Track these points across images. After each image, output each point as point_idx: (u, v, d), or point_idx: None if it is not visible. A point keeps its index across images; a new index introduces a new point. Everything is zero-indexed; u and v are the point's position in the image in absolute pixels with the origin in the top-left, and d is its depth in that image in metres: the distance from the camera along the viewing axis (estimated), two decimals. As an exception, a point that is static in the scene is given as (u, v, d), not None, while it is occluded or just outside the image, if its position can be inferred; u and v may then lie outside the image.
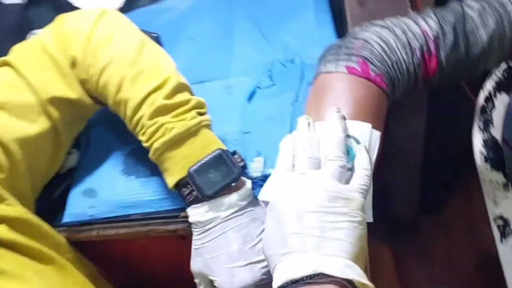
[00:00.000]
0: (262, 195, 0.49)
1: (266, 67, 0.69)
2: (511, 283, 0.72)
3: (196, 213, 0.54)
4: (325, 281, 0.37)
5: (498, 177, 0.83)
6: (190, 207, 0.55)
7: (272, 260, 0.42)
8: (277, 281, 0.39)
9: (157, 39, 0.76)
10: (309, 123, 0.48)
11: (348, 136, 0.47)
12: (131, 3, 0.90)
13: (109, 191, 0.63)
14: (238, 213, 0.54)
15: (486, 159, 0.85)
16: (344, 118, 0.48)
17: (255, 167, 0.60)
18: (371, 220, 0.45)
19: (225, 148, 0.56)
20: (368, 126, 0.49)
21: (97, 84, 0.58)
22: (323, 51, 0.58)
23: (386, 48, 0.54)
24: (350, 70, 0.53)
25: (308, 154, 0.46)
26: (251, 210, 0.55)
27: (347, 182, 0.44)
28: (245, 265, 0.52)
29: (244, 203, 0.54)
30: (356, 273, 0.38)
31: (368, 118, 0.50)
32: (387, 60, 0.53)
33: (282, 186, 0.45)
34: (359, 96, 0.51)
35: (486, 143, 0.86)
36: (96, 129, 0.69)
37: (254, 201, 0.56)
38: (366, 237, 0.42)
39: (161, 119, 0.55)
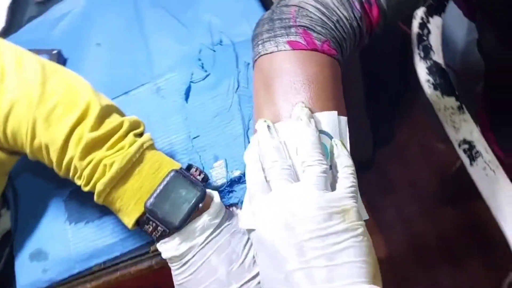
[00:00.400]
0: (244, 222, 0.43)
1: (193, 57, 0.61)
2: (492, 205, 0.71)
3: (168, 248, 0.47)
4: None
5: (451, 101, 0.81)
6: (159, 243, 0.48)
7: None
8: None
9: (59, 56, 0.65)
10: (269, 127, 0.42)
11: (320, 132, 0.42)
12: (16, 20, 0.77)
13: (61, 247, 0.54)
14: (214, 234, 0.47)
15: (435, 86, 0.83)
16: (311, 113, 0.42)
17: (217, 174, 0.54)
18: (366, 217, 0.41)
19: (178, 166, 0.49)
20: (334, 114, 0.44)
21: (5, 136, 0.48)
22: (255, 28, 0.51)
23: (323, 10, 0.48)
24: (294, 46, 0.46)
25: (280, 165, 0.40)
26: (228, 224, 0.49)
27: (332, 186, 0.40)
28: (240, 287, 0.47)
29: (217, 220, 0.48)
30: None
31: (329, 98, 0.45)
32: (329, 23, 0.47)
33: (264, 211, 0.39)
34: (313, 73, 0.45)
35: (431, 70, 0.84)
36: (21, 180, 0.59)
37: (227, 213, 0.49)
38: (372, 247, 0.37)
39: (95, 156, 0.46)
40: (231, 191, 0.53)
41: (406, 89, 1.19)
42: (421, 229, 1.28)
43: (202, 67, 0.60)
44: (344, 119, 0.45)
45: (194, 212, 0.47)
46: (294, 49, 0.46)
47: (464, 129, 0.79)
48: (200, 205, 0.47)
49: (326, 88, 0.45)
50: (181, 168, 0.49)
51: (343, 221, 0.37)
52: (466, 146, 0.78)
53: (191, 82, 0.60)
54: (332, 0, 0.48)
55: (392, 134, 1.38)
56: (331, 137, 0.43)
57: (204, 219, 0.47)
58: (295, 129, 0.42)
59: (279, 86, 0.45)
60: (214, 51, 0.61)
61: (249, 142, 0.54)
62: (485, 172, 0.75)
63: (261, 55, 0.48)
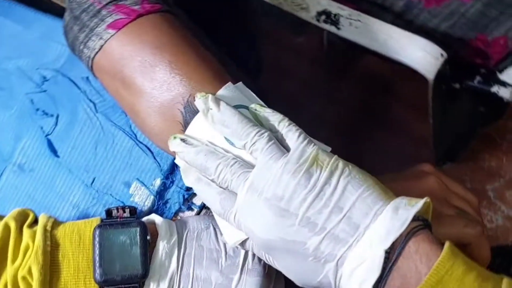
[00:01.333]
0: (232, 240, 0.38)
1: (29, 112, 0.52)
2: (380, 49, 0.72)
3: None
4: (416, 231, 0.31)
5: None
6: None
7: (329, 271, 0.33)
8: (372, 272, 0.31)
9: None
10: (183, 140, 0.38)
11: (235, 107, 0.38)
12: None
13: None
14: (182, 251, 0.42)
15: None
16: (213, 96, 0.38)
17: (140, 197, 0.47)
18: (329, 148, 0.38)
19: (97, 219, 0.42)
20: (229, 85, 0.39)
21: None
22: (66, 37, 0.44)
23: None
24: (117, 26, 0.40)
25: (226, 164, 0.36)
26: (186, 232, 0.43)
27: (285, 147, 0.36)
28: (240, 276, 0.42)
29: (174, 237, 0.42)
30: (408, 206, 0.32)
31: (192, 59, 0.40)
32: None
33: (245, 217, 0.35)
34: (157, 39, 0.40)
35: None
36: None
37: (177, 224, 0.44)
38: (358, 167, 0.35)
39: (5, 276, 0.38)
40: (166, 202, 0.47)
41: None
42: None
43: (46, 114, 0.52)
44: (240, 85, 0.41)
45: (148, 248, 0.40)
46: (120, 29, 0.40)
47: (312, 3, 0.78)
48: (148, 237, 0.41)
49: (182, 47, 0.41)
50: (102, 220, 0.41)
51: (321, 167, 0.34)
52: (324, 17, 0.77)
53: (47, 136, 0.51)
54: None
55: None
56: (246, 107, 0.38)
57: (162, 247, 0.41)
58: (211, 122, 0.37)
59: (135, 74, 0.40)
60: (45, 90, 0.52)
61: (141, 147, 0.48)
62: (352, 26, 0.76)
63: (93, 57, 0.42)
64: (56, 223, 0.41)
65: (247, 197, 0.34)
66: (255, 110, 0.38)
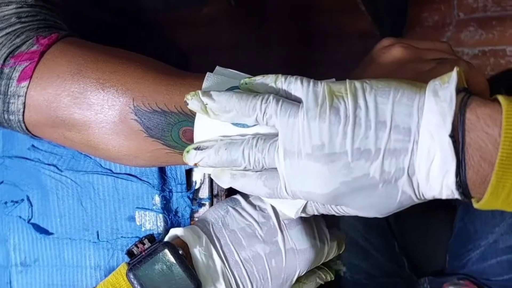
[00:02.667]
0: (292, 211, 0.37)
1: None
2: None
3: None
4: (466, 102, 0.30)
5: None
6: None
7: (404, 186, 0.32)
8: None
9: None
10: (198, 148, 0.35)
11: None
12: None
13: None
14: (218, 247, 0.41)
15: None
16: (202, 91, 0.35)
17: (150, 222, 0.45)
18: (333, 79, 0.36)
19: (124, 267, 0.40)
20: (208, 75, 0.38)
21: None
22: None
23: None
24: (27, 74, 0.38)
25: (250, 146, 0.34)
26: (211, 226, 0.42)
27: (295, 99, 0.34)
28: (283, 234, 0.41)
29: (203, 238, 0.41)
30: (445, 85, 0.31)
31: (128, 68, 0.39)
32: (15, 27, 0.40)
33: (298, 183, 0.33)
34: (79, 68, 0.39)
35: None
36: None
37: (197, 226, 0.42)
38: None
39: None
40: (176, 212, 0.46)
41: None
42: None
43: (16, 202, 0.49)
44: (217, 69, 0.39)
45: (187, 263, 0.39)
46: (31, 77, 0.38)
47: None
48: (180, 251, 0.39)
49: (101, 58, 0.38)
50: (128, 263, 0.39)
51: (341, 97, 0.32)
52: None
53: (29, 222, 0.48)
54: None
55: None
56: (237, 87, 0.36)
57: (198, 252, 0.39)
58: (213, 115, 0.35)
59: (71, 110, 0.38)
60: (2, 181, 0.49)
61: (122, 177, 0.46)
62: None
63: (22, 119, 0.40)
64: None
65: (288, 164, 0.32)
66: (246, 84, 0.35)
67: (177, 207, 0.46)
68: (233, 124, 0.35)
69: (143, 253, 0.39)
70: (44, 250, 0.47)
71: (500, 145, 0.28)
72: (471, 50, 1.20)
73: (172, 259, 0.38)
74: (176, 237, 0.41)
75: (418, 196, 0.32)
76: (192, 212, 0.46)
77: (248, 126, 0.35)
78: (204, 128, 0.36)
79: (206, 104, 0.34)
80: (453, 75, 0.31)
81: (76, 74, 0.38)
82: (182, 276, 0.37)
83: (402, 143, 0.30)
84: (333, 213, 0.36)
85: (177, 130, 0.37)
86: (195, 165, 0.35)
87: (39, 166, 0.47)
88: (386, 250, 0.76)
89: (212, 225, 0.42)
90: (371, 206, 0.33)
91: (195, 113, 0.36)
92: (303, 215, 0.37)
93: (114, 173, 0.46)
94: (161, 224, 0.45)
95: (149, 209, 0.45)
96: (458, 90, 0.31)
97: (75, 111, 0.38)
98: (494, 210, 0.70)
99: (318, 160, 0.31)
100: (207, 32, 1.24)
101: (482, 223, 0.72)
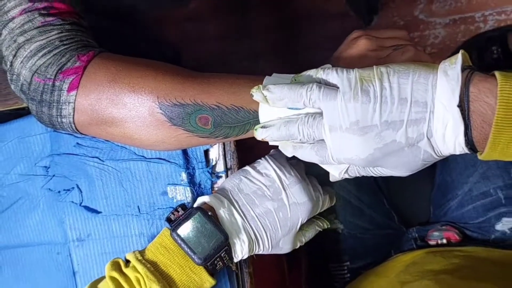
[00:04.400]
0: (338, 172, 0.46)
1: None
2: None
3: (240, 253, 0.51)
4: (470, 78, 0.38)
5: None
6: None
7: (425, 146, 0.40)
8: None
9: None
10: (264, 127, 0.45)
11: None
12: None
13: None
14: (237, 206, 0.52)
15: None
16: (262, 85, 0.44)
17: (180, 194, 0.56)
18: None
19: (167, 230, 0.51)
20: (266, 77, 0.46)
21: None
22: (40, 120, 0.51)
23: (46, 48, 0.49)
24: (74, 85, 0.48)
25: (303, 122, 0.43)
26: (231, 193, 0.52)
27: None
28: (286, 192, 0.52)
29: (225, 201, 0.52)
30: (453, 65, 0.39)
31: (152, 72, 0.48)
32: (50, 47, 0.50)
33: (339, 149, 0.42)
34: (113, 76, 0.48)
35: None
36: None
37: (218, 193, 0.53)
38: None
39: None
40: (199, 184, 0.56)
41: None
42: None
43: (68, 190, 0.59)
44: (274, 75, 0.47)
45: (216, 221, 0.50)
46: (77, 87, 0.49)
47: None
48: (209, 213, 0.50)
49: (129, 66, 0.49)
50: (169, 228, 0.50)
51: (370, 81, 0.40)
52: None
53: (81, 205, 0.59)
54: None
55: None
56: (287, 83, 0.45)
57: (223, 213, 0.50)
58: (272, 103, 0.44)
59: (109, 110, 0.48)
60: (54, 175, 0.60)
61: (154, 161, 0.56)
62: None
63: (73, 121, 0.50)
64: (141, 253, 0.50)
65: (332, 137, 0.41)
66: (295, 80, 0.44)
67: (200, 180, 0.57)
68: (288, 108, 0.44)
69: (180, 218, 0.50)
70: (95, 226, 0.59)
71: (496, 111, 0.36)
72: (442, 20, 1.27)
73: (204, 219, 0.49)
74: (204, 203, 0.52)
75: (438, 154, 0.40)
76: (212, 183, 0.57)
77: (299, 109, 0.44)
78: (264, 111, 0.45)
79: (265, 96, 0.43)
80: (459, 57, 0.39)
81: (112, 81, 0.48)
82: (213, 231, 0.49)
83: (421, 114, 0.39)
84: (372, 174, 0.45)
85: (194, 117, 0.47)
86: (263, 139, 0.45)
87: (84, 159, 0.58)
88: (377, 206, 0.85)
89: (230, 191, 0.52)
90: (402, 165, 0.42)
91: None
92: (347, 176, 0.47)
93: (147, 158, 0.57)
94: (189, 195, 0.56)
95: (178, 184, 0.56)
96: (463, 68, 0.39)
97: (113, 111, 0.48)
98: (467, 162, 0.79)
99: (355, 132, 0.40)
100: (195, 26, 1.29)
101: (458, 174, 0.81)
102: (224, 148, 0.57)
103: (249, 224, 0.51)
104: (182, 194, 0.56)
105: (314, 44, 1.22)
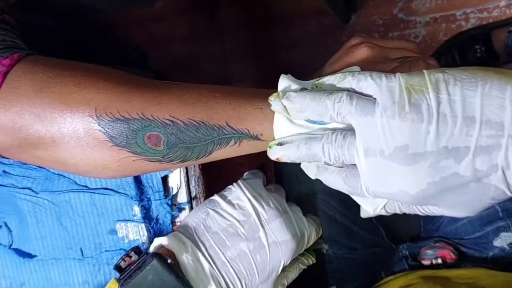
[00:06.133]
0: (372, 208, 0.37)
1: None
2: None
3: None
4: None
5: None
6: None
7: (498, 181, 0.30)
8: None
9: None
10: (280, 144, 0.35)
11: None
12: None
13: None
14: (204, 249, 0.42)
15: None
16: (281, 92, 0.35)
17: (133, 233, 0.46)
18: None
19: (113, 285, 0.40)
20: (282, 75, 0.37)
21: None
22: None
23: None
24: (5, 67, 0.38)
25: (329, 140, 0.33)
26: (196, 232, 0.42)
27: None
28: (264, 229, 0.43)
29: (188, 244, 0.42)
30: None
31: (88, 77, 0.38)
32: None
33: (381, 180, 0.32)
34: (42, 85, 0.38)
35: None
36: None
37: (180, 232, 0.43)
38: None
39: None
40: (157, 219, 0.46)
41: None
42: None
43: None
44: (287, 76, 0.37)
45: (177, 271, 0.40)
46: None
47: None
48: (169, 260, 0.40)
49: (62, 72, 0.38)
50: (118, 279, 0.40)
51: (421, 91, 0.30)
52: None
53: (10, 247, 0.48)
54: None
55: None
56: (304, 88, 0.36)
57: (185, 258, 0.41)
58: (293, 114, 0.34)
59: (34, 128, 0.38)
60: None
61: (98, 192, 0.46)
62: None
63: None
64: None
65: (368, 164, 0.31)
66: (317, 86, 0.35)
67: (158, 215, 0.46)
68: (310, 121, 0.35)
69: (132, 267, 0.40)
70: (29, 273, 0.47)
71: None
72: (423, 18, 1.23)
73: (162, 269, 0.39)
74: (161, 246, 0.42)
75: None
76: (173, 217, 0.46)
77: (325, 123, 0.34)
78: (281, 124, 0.36)
79: (285, 105, 0.34)
80: None
81: (39, 91, 0.37)
82: (174, 284, 0.38)
83: (494, 139, 0.29)
84: (418, 212, 0.36)
85: (141, 136, 0.37)
86: (277, 160, 0.36)
87: (14, 191, 0.47)
88: (363, 223, 0.78)
89: (194, 229, 0.42)
90: (462, 204, 0.32)
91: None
92: (383, 213, 0.37)
93: (90, 189, 0.46)
94: (144, 233, 0.46)
95: (129, 220, 0.46)
96: None
97: (39, 128, 0.38)
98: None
99: (401, 161, 0.30)
100: (161, 27, 1.23)
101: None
102: (187, 173, 0.47)
103: (218, 271, 0.41)
104: (135, 232, 0.46)
105: (290, 44, 1.16)
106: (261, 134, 0.37)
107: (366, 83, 0.32)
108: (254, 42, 1.22)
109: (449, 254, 0.75)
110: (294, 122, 0.35)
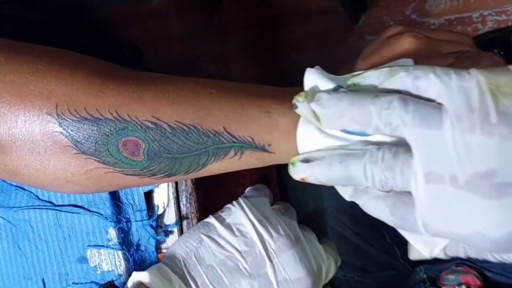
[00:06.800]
0: (428, 250, 0.28)
1: None
2: None
3: None
4: None
5: None
6: None
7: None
8: None
9: None
10: (306, 160, 0.27)
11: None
12: None
13: None
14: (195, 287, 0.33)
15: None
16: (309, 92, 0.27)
17: (107, 265, 0.37)
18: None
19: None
20: (308, 69, 0.28)
21: None
22: None
23: None
24: None
25: (374, 160, 0.25)
26: (185, 264, 0.34)
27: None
28: (272, 263, 0.34)
29: (175, 280, 0.33)
30: None
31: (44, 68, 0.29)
32: None
33: (455, 217, 0.24)
34: None
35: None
36: None
37: (166, 264, 0.34)
38: None
39: None
40: (138, 245, 0.37)
41: None
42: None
43: None
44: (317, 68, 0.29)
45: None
46: None
47: None
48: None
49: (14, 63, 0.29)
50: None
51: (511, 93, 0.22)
52: None
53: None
54: None
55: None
56: (338, 87, 0.27)
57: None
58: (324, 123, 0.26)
59: None
60: None
61: (66, 210, 0.37)
62: None
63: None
64: None
65: (432, 194, 0.24)
66: (354, 85, 0.26)
67: (139, 240, 0.37)
68: (347, 132, 0.26)
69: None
70: (-21, 308, 0.38)
71: None
72: (437, 20, 1.18)
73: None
74: (141, 283, 0.33)
75: None
76: (158, 243, 0.37)
77: (367, 134, 0.26)
78: (307, 135, 0.28)
79: (315, 111, 0.26)
80: None
81: None
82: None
83: None
84: (492, 259, 0.28)
85: (115, 142, 0.29)
86: (302, 180, 0.27)
87: (-40, 206, 0.38)
88: (376, 242, 0.72)
89: (184, 261, 0.34)
90: None
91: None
92: (442, 256, 0.29)
93: (56, 205, 0.37)
94: (121, 263, 0.37)
95: (103, 245, 0.37)
96: None
97: None
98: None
99: (484, 192, 0.23)
100: (158, 25, 1.18)
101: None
102: (176, 188, 0.38)
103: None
104: (110, 261, 0.37)
105: (293, 45, 1.11)
106: (269, 145, 0.29)
107: (428, 81, 0.23)
108: (256, 42, 1.17)
109: (474, 280, 0.69)
110: (325, 131, 0.27)
